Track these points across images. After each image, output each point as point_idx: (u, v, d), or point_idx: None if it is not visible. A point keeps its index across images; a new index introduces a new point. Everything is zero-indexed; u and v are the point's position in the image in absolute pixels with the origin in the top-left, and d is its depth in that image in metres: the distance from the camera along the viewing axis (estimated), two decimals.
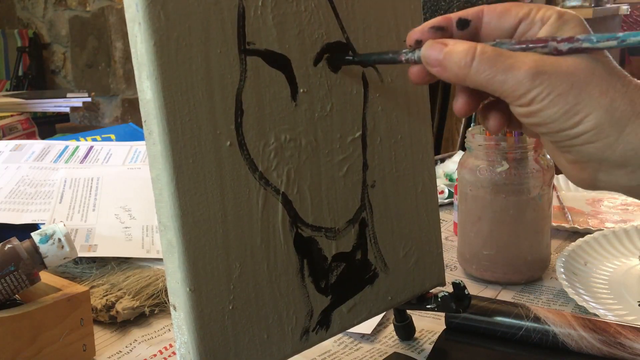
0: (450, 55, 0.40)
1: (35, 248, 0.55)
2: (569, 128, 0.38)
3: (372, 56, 0.47)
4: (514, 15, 0.41)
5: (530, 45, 0.39)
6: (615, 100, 0.37)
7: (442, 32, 0.42)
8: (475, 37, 0.42)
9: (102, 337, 0.63)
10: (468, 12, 0.42)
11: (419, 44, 0.42)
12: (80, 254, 0.73)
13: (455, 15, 0.42)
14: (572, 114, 0.38)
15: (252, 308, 0.43)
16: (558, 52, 0.38)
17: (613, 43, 0.36)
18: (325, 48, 0.46)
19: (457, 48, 0.40)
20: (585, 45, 0.38)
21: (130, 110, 3.21)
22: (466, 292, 0.54)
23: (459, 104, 0.43)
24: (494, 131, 0.44)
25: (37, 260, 0.55)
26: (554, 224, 0.83)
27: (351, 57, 0.47)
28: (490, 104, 0.44)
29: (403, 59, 0.43)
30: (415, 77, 0.44)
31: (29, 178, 0.91)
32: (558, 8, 0.41)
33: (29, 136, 1.67)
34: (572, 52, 0.38)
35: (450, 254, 0.81)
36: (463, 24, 0.42)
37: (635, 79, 0.39)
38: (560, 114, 0.38)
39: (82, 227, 0.79)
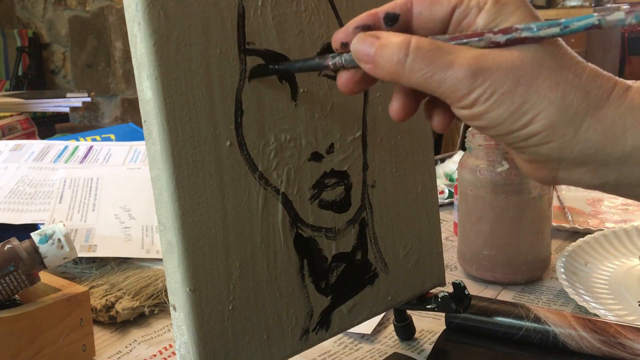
0: (382, 50, 0.36)
1: (34, 248, 0.55)
2: (518, 129, 0.34)
3: (297, 63, 0.43)
4: (447, 2, 0.36)
5: (465, 40, 0.34)
6: (568, 95, 0.33)
7: (369, 31, 0.37)
8: (406, 31, 0.37)
9: (101, 337, 0.63)
10: (396, 4, 0.37)
11: (345, 46, 0.38)
12: (80, 254, 0.73)
13: (382, 10, 0.37)
14: (520, 115, 0.34)
15: (252, 308, 0.43)
16: (496, 45, 0.34)
17: (555, 30, 0.32)
18: (325, 48, 0.46)
19: (391, 41, 0.35)
20: (525, 34, 0.33)
21: (130, 110, 3.21)
22: (466, 292, 0.54)
23: (394, 107, 0.39)
24: (441, 130, 0.39)
25: (36, 260, 0.55)
26: (554, 224, 0.83)
27: (275, 67, 0.42)
28: (433, 101, 0.39)
29: (330, 63, 0.38)
30: (344, 86, 0.39)
31: (29, 178, 0.91)
32: None
33: (29, 136, 1.67)
34: (512, 43, 0.34)
35: (450, 254, 0.81)
36: (391, 18, 0.37)
37: (591, 64, 0.35)
38: (506, 116, 0.34)
39: (82, 227, 0.79)
